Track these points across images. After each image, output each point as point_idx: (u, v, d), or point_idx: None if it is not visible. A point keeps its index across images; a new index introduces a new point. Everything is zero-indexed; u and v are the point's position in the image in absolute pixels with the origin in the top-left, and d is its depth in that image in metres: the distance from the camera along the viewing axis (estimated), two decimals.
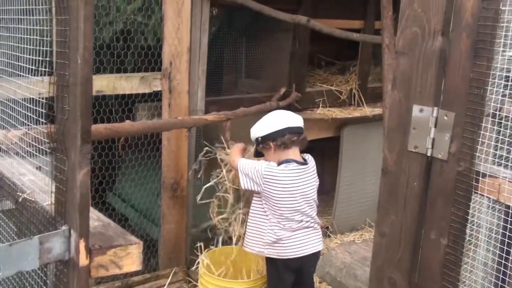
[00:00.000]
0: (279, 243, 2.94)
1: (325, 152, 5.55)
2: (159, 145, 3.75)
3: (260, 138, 3.00)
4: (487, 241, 1.50)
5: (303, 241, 2.93)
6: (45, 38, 1.29)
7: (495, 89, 1.32)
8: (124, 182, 4.06)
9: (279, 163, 2.97)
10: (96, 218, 1.41)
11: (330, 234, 4.81)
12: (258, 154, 3.13)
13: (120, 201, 4.31)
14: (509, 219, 1.34)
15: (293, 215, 2.92)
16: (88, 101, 1.16)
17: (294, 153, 3.00)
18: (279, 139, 2.95)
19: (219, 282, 3.16)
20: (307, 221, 2.97)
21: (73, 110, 1.17)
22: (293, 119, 3.04)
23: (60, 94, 1.23)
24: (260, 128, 3.01)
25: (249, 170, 2.97)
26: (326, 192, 5.52)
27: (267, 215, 2.96)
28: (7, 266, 1.15)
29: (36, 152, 1.45)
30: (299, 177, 2.97)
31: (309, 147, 5.29)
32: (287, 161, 2.96)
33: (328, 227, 4.82)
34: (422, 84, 1.48)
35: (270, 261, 3.05)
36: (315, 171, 3.16)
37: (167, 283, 3.75)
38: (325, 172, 5.66)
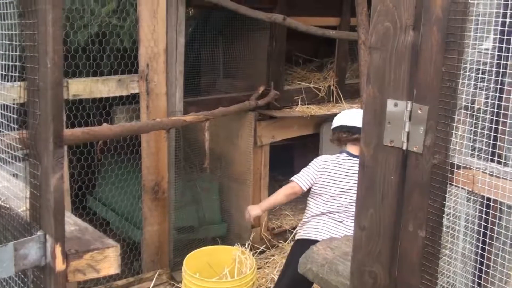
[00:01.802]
0: (307, 225, 3.17)
1: (306, 149, 5.57)
2: (139, 148, 3.73)
3: (332, 130, 3.32)
4: (465, 232, 1.52)
5: (331, 229, 3.09)
6: (14, 43, 1.27)
7: (466, 81, 1.34)
8: (104, 186, 4.03)
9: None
10: (73, 223, 1.39)
11: None
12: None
13: (100, 205, 4.27)
14: (485, 209, 1.36)
15: (328, 202, 3.12)
16: (59, 105, 1.15)
17: (351, 148, 3.21)
18: (334, 135, 3.30)
19: (202, 283, 3.15)
20: (341, 215, 3.11)
21: (44, 114, 1.16)
22: (349, 118, 3.24)
23: (31, 98, 1.21)
24: (334, 122, 3.32)
25: (302, 172, 3.23)
26: (308, 189, 5.54)
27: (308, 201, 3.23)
28: None
29: (10, 159, 1.44)
30: (348, 166, 3.15)
31: (290, 145, 5.34)
32: (341, 151, 3.25)
33: None
34: (395, 79, 1.49)
35: (294, 245, 3.27)
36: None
37: (151, 286, 3.74)
38: None
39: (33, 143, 1.22)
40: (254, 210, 3.32)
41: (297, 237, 3.27)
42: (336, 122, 3.28)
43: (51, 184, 1.16)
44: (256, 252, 4.27)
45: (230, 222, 4.62)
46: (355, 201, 3.12)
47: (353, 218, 3.09)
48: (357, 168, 3.17)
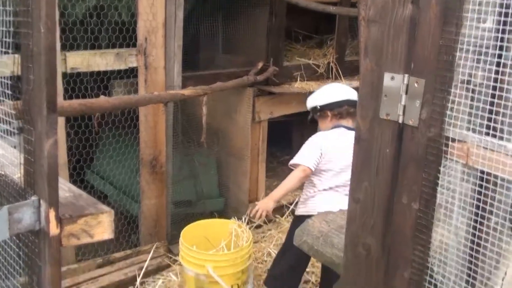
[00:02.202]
0: (311, 200, 3.13)
1: (304, 126, 5.58)
2: (137, 122, 3.74)
3: (319, 107, 3.23)
4: (459, 204, 1.53)
5: (334, 202, 3.02)
6: (7, 8, 1.26)
7: (463, 54, 1.34)
8: (102, 160, 4.04)
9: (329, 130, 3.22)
10: (67, 189, 1.41)
11: None
12: (312, 121, 3.39)
13: (98, 178, 4.29)
14: (478, 181, 1.37)
15: (335, 177, 3.10)
16: (53, 70, 1.15)
17: (347, 122, 3.22)
18: (336, 109, 3.19)
19: (199, 256, 3.18)
20: (344, 188, 3.09)
21: (37, 79, 1.16)
22: (352, 93, 3.22)
23: (25, 64, 1.22)
24: (320, 98, 3.25)
25: (306, 152, 3.12)
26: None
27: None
28: None
29: (5, 134, 1.44)
30: (347, 139, 3.08)
31: (288, 122, 5.35)
32: (337, 126, 3.20)
33: None
34: (393, 52, 1.49)
35: (295, 224, 3.12)
36: None
37: (148, 259, 3.77)
38: None
39: (27, 108, 1.23)
40: (266, 205, 3.14)
41: (299, 213, 3.20)
42: (339, 97, 3.19)
43: (45, 150, 1.17)
44: (253, 226, 4.30)
45: (228, 196, 4.65)
46: None
47: None
48: None
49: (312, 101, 3.30)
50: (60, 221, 1.23)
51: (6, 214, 1.19)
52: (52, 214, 1.21)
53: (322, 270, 3.42)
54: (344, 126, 3.20)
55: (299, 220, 3.09)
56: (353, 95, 3.17)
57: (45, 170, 1.19)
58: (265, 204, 3.15)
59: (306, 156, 3.11)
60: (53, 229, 1.21)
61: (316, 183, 3.14)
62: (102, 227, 1.28)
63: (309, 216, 2.95)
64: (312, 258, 3.90)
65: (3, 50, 1.33)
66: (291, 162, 3.15)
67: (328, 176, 3.11)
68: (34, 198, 1.26)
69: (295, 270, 3.24)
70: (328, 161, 3.10)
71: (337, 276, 3.01)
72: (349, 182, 3.02)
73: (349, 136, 3.10)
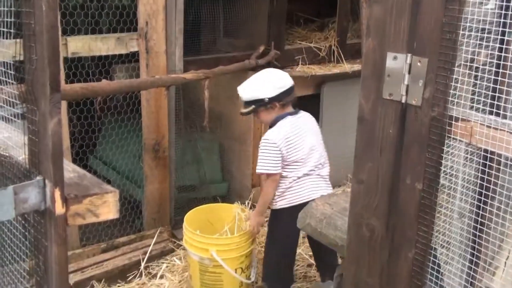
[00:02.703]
0: (289, 191, 3.08)
1: (306, 109, 5.56)
2: (139, 107, 3.73)
3: (267, 99, 3.03)
4: (462, 184, 1.53)
5: (312, 187, 3.07)
6: None
7: (467, 33, 1.33)
8: (105, 145, 4.05)
9: (273, 121, 3.08)
10: (72, 170, 1.41)
11: None
12: (247, 114, 3.22)
13: (101, 164, 4.30)
14: (481, 160, 1.37)
15: (304, 164, 3.06)
16: (55, 49, 1.15)
17: (288, 108, 3.13)
18: (284, 99, 3.05)
19: (203, 240, 3.20)
20: (315, 170, 3.10)
21: (40, 58, 1.16)
22: (286, 79, 3.12)
23: (27, 43, 1.21)
24: (267, 88, 3.04)
25: (267, 159, 3.01)
26: None
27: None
28: None
29: (14, 112, 1.45)
30: (303, 124, 3.11)
31: None
32: (282, 116, 3.07)
33: None
34: (395, 31, 1.48)
35: (276, 217, 3.17)
36: (312, 120, 3.28)
37: (152, 243, 3.79)
38: None
39: (31, 88, 1.23)
40: (258, 221, 3.23)
41: (278, 207, 3.14)
42: (287, 85, 3.06)
43: (49, 129, 1.17)
44: None
45: (231, 181, 4.65)
46: (322, 153, 3.14)
47: (327, 167, 3.19)
48: (311, 121, 3.17)
49: (256, 93, 3.06)
50: (65, 200, 1.24)
51: (12, 194, 1.20)
52: (57, 193, 1.22)
53: (313, 253, 3.44)
54: (288, 113, 3.10)
55: (284, 212, 3.10)
56: (289, 82, 3.10)
57: (49, 149, 1.19)
58: (257, 221, 3.24)
59: (270, 163, 3.01)
60: (59, 209, 1.22)
61: (288, 175, 3.06)
62: (108, 207, 1.29)
63: (295, 206, 2.98)
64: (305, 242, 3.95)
65: (5, 30, 1.32)
66: (258, 171, 3.08)
67: (298, 166, 3.06)
68: (39, 178, 1.27)
69: (285, 262, 3.23)
70: (293, 153, 3.03)
71: (330, 253, 3.06)
72: (319, 161, 3.08)
73: (300, 121, 3.12)
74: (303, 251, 3.87)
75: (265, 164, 3.02)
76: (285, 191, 3.10)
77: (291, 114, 3.11)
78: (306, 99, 4.87)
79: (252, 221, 3.25)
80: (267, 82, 3.07)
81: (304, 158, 3.06)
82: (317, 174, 3.13)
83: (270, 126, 3.14)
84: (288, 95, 3.07)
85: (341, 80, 4.69)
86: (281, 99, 3.05)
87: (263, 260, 3.31)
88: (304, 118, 3.20)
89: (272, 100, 3.04)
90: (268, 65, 4.33)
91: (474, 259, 1.58)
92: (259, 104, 3.07)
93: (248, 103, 3.12)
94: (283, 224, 3.12)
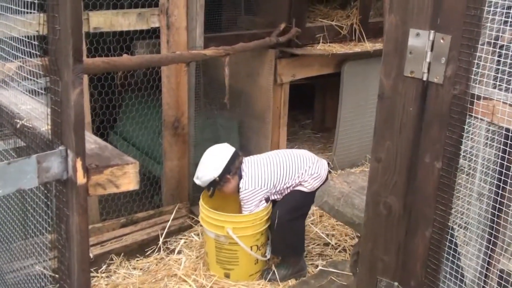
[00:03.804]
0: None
1: (326, 89, 5.53)
2: (159, 83, 3.74)
3: (218, 178, 3.25)
4: (483, 164, 1.52)
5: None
6: None
7: (492, 9, 1.31)
8: (125, 121, 4.07)
9: (239, 179, 3.28)
10: (93, 141, 1.43)
11: (331, 170, 4.87)
12: (213, 194, 3.36)
13: (121, 140, 4.34)
14: (503, 140, 1.35)
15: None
16: (78, 19, 1.16)
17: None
18: (232, 168, 3.26)
19: (218, 217, 3.22)
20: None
21: (64, 29, 1.17)
22: (226, 147, 3.38)
23: (50, 14, 1.22)
24: (212, 170, 3.25)
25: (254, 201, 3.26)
26: (327, 129, 5.55)
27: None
28: (7, 183, 1.19)
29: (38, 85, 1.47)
30: (263, 161, 3.35)
31: (310, 84, 5.31)
32: (240, 174, 3.28)
33: (328, 163, 4.87)
34: (419, 7, 1.46)
35: (310, 196, 3.25)
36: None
37: (170, 219, 3.83)
38: (326, 109, 5.67)
39: (54, 58, 1.24)
40: None
41: (314, 189, 3.25)
42: (227, 156, 3.28)
43: (72, 99, 1.18)
44: None
45: None
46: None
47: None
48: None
49: (206, 177, 3.28)
50: (87, 170, 1.26)
51: (35, 162, 1.22)
52: (79, 163, 1.24)
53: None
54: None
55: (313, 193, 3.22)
56: (230, 149, 3.34)
57: (71, 119, 1.21)
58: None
59: (257, 204, 3.26)
60: (80, 178, 1.24)
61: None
62: (128, 178, 1.31)
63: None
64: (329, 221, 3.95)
65: (30, 1, 1.33)
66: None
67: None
68: (61, 148, 1.29)
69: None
70: (282, 182, 3.27)
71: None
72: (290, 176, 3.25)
73: (258, 158, 3.38)
74: (320, 230, 3.88)
75: (255, 205, 3.27)
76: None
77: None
78: (326, 78, 4.84)
79: None
80: (209, 165, 3.28)
81: (293, 177, 3.30)
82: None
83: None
84: (233, 163, 3.27)
85: (362, 59, 4.64)
86: (229, 170, 3.25)
87: (285, 237, 3.34)
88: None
89: (222, 176, 3.25)
90: (289, 43, 4.31)
91: (492, 240, 1.57)
92: (214, 184, 3.29)
93: (208, 187, 3.34)
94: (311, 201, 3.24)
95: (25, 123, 1.40)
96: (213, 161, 3.29)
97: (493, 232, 1.54)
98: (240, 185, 3.26)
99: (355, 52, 4.52)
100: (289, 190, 3.31)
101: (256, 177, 3.25)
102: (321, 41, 4.55)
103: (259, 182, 3.24)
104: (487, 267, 1.59)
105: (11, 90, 1.59)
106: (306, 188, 3.29)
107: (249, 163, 3.32)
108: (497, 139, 1.42)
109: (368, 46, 4.63)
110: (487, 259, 1.57)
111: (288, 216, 3.25)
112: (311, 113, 5.90)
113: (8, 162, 1.19)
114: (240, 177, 3.27)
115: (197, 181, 3.36)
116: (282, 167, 3.29)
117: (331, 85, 5.11)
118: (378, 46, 4.58)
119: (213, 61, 3.90)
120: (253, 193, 3.24)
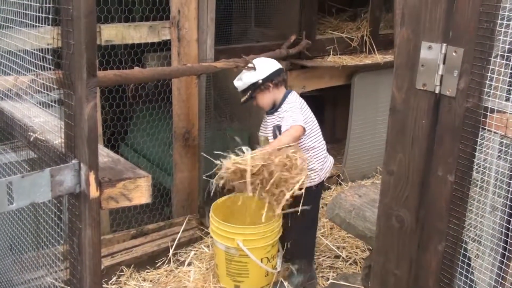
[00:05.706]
0: (326, 164, 3.34)
1: (336, 100, 5.53)
2: (170, 95, 3.76)
3: (261, 81, 3.25)
4: (496, 177, 1.50)
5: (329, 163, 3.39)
6: None
7: (505, 22, 1.30)
8: (136, 133, 4.09)
9: (280, 100, 3.27)
10: (106, 155, 1.44)
11: (341, 182, 4.85)
12: (246, 102, 3.38)
13: (132, 151, 4.36)
14: None
15: (320, 135, 3.35)
16: (92, 34, 1.17)
17: (282, 88, 3.34)
18: (275, 79, 3.27)
19: (229, 229, 3.21)
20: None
21: (78, 43, 1.18)
22: (275, 61, 3.40)
23: (65, 29, 1.24)
24: (258, 73, 3.28)
25: (292, 117, 3.15)
26: (338, 140, 5.54)
27: (308, 148, 3.26)
28: (21, 197, 1.20)
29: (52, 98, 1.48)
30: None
31: (320, 96, 5.31)
32: (288, 92, 3.32)
33: (339, 175, 4.86)
34: (431, 20, 1.46)
35: (317, 194, 3.36)
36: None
37: (180, 230, 3.83)
38: (337, 121, 5.66)
39: (68, 72, 1.25)
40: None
41: (323, 178, 3.33)
42: (275, 67, 3.30)
43: (85, 113, 1.19)
44: None
45: None
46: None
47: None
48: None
49: (249, 79, 3.28)
50: (99, 184, 1.27)
51: (49, 176, 1.23)
52: (92, 177, 1.25)
53: None
54: (289, 90, 3.35)
55: (320, 188, 3.35)
56: (278, 63, 3.37)
57: (85, 133, 1.22)
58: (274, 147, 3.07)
59: (299, 117, 3.15)
60: (93, 192, 1.24)
61: (320, 146, 3.31)
62: (140, 191, 1.31)
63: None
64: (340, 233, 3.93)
65: (44, 16, 1.34)
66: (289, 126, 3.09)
67: (319, 134, 3.33)
68: (74, 161, 1.30)
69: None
70: (310, 121, 3.28)
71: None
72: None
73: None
74: (331, 242, 3.86)
75: (294, 119, 3.10)
76: (324, 164, 3.30)
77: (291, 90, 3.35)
78: (337, 90, 4.84)
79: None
80: (256, 68, 3.30)
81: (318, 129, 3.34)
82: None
83: (274, 107, 3.31)
84: (279, 75, 3.29)
85: (372, 71, 4.64)
86: (272, 78, 3.26)
87: (298, 242, 3.33)
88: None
89: (265, 80, 3.25)
90: (299, 55, 4.32)
91: (506, 254, 1.55)
92: (254, 87, 3.28)
93: (244, 91, 3.33)
94: (319, 199, 3.34)
95: (39, 136, 1.41)
96: (261, 65, 3.32)
97: (507, 246, 1.52)
98: (287, 99, 3.27)
99: (365, 64, 4.52)
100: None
101: (296, 98, 3.32)
102: (331, 53, 4.56)
103: (298, 103, 3.28)
104: (501, 282, 1.57)
105: (24, 103, 1.60)
106: (314, 180, 3.23)
107: (295, 94, 3.35)
108: (511, 152, 1.41)
109: (379, 58, 4.64)
110: (501, 273, 1.55)
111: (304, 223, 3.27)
112: (322, 124, 5.88)
113: (22, 175, 1.19)
114: (280, 96, 3.29)
115: (238, 82, 3.34)
116: (313, 120, 3.33)
117: (341, 96, 5.11)
118: (389, 58, 4.58)
119: (223, 72, 3.91)
120: (297, 108, 3.22)
